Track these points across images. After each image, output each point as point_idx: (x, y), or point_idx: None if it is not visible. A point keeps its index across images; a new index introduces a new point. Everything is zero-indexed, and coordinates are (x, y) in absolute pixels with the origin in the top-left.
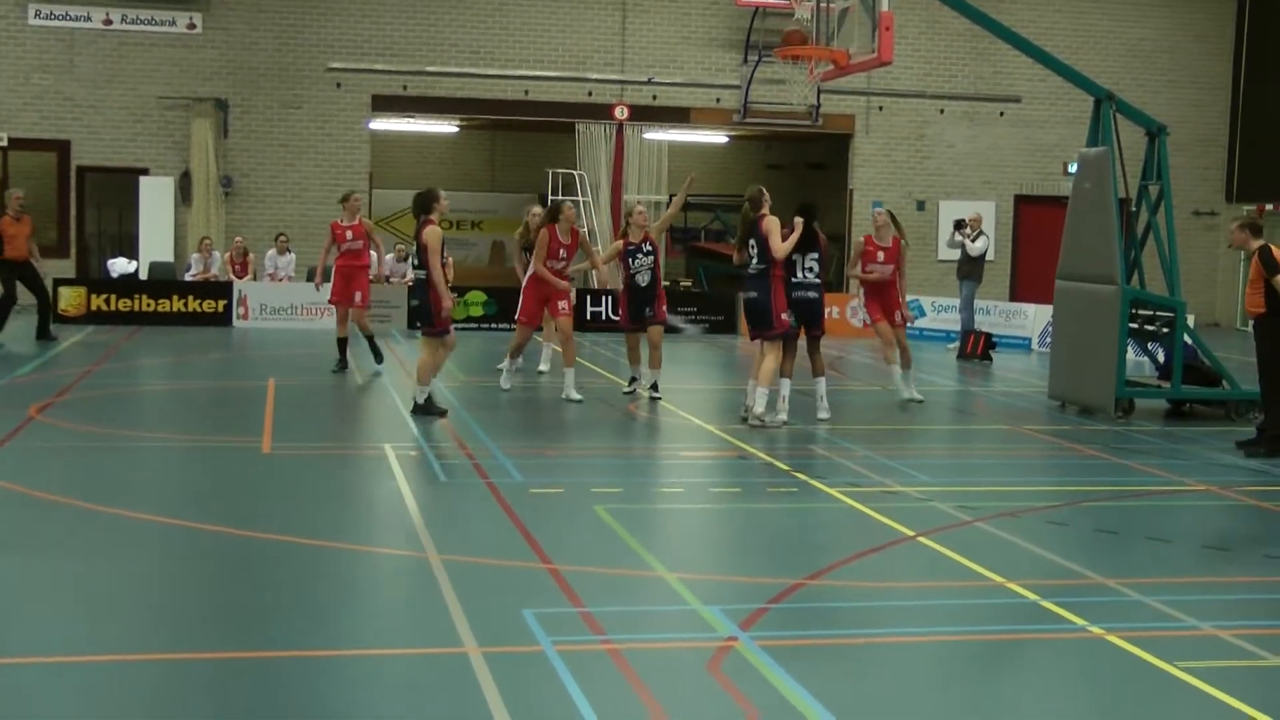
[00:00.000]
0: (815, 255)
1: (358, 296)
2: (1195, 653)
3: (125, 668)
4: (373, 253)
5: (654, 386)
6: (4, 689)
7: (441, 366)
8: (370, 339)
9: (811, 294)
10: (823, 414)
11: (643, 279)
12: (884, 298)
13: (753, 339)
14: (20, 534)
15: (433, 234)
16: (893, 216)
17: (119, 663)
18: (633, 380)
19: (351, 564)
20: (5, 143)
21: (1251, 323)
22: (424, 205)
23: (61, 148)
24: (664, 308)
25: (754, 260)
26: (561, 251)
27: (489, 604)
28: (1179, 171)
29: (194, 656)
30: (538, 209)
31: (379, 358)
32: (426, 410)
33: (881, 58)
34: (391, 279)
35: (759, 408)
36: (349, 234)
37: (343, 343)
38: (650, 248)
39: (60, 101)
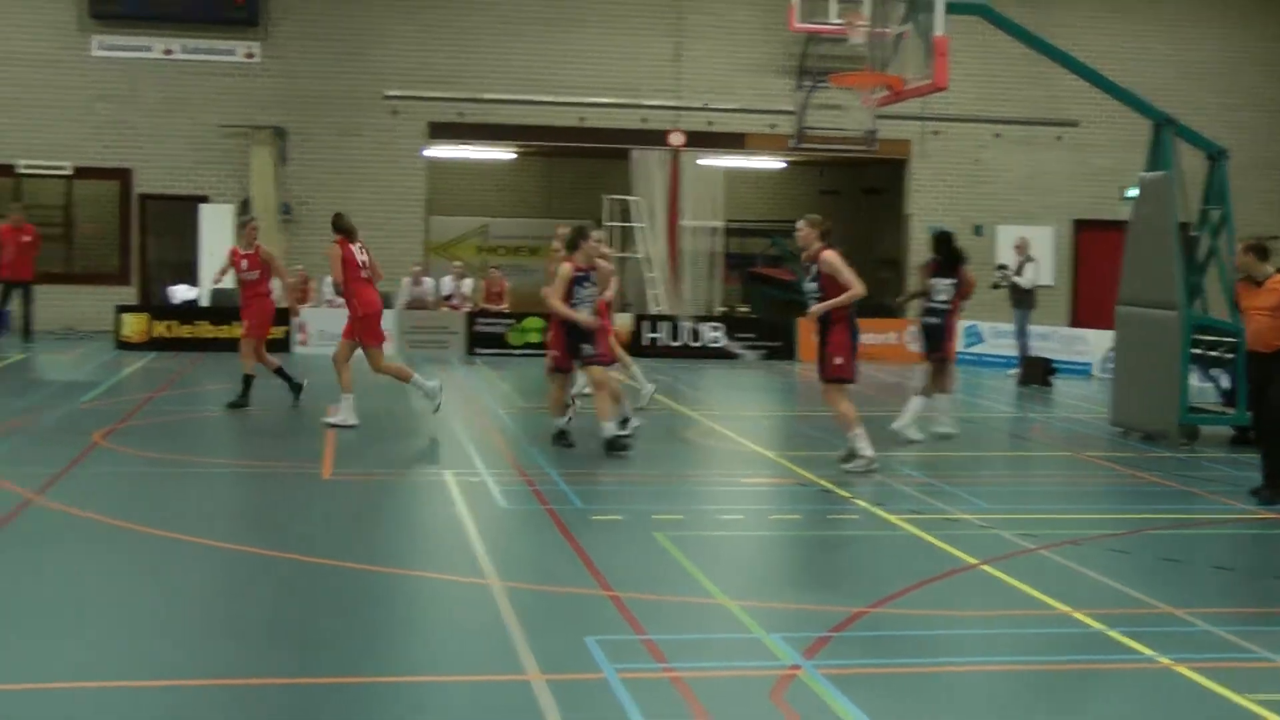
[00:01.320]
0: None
1: (246, 325)
2: (1267, 685)
3: (184, 693)
4: (276, 281)
5: (609, 444)
6: (60, 714)
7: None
8: (279, 370)
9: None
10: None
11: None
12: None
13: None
14: (84, 559)
15: (561, 269)
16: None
17: (178, 687)
18: (562, 434)
19: (412, 590)
20: (70, 171)
21: (1264, 356)
22: (571, 243)
23: (124, 176)
24: (609, 342)
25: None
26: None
27: (551, 631)
28: (1240, 195)
29: (254, 682)
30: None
31: (295, 390)
32: (559, 439)
33: (937, 83)
34: (452, 302)
35: (862, 451)
36: (244, 263)
37: (248, 379)
38: (595, 279)
39: (122, 131)
